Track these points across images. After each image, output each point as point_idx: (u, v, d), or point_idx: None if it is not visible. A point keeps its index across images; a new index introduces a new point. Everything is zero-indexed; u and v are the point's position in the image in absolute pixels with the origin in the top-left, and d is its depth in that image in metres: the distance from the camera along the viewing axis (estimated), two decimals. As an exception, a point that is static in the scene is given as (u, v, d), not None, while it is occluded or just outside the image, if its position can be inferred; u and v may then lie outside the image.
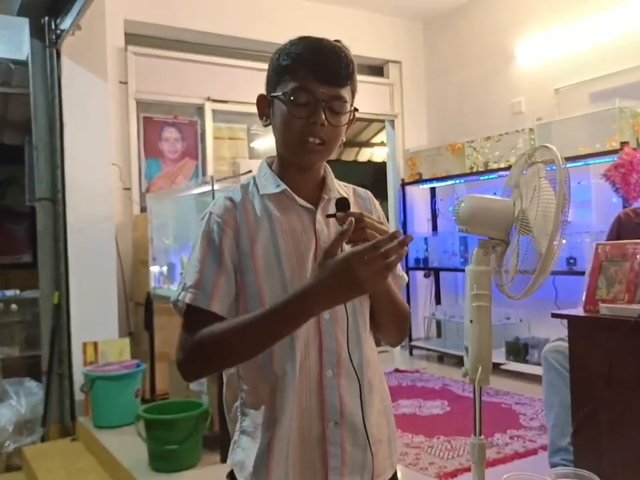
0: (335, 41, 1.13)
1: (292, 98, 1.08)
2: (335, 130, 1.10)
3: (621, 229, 2.86)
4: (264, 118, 1.16)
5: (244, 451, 1.14)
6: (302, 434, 1.09)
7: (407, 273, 5.56)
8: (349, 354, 1.11)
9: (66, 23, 3.76)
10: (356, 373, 1.11)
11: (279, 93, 1.10)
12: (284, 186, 1.13)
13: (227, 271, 1.09)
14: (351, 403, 1.11)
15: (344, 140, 1.17)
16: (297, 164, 1.14)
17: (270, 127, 1.16)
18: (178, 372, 1.08)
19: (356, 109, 1.14)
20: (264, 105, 1.16)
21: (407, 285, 5.67)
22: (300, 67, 1.08)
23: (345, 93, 1.10)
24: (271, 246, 1.09)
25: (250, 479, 1.12)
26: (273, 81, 1.13)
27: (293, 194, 1.13)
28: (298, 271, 1.09)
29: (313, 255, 1.11)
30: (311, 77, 1.07)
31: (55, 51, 3.92)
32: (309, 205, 1.13)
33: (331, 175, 1.20)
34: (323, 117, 1.07)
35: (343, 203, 1.07)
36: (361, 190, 1.27)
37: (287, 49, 1.10)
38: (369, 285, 0.93)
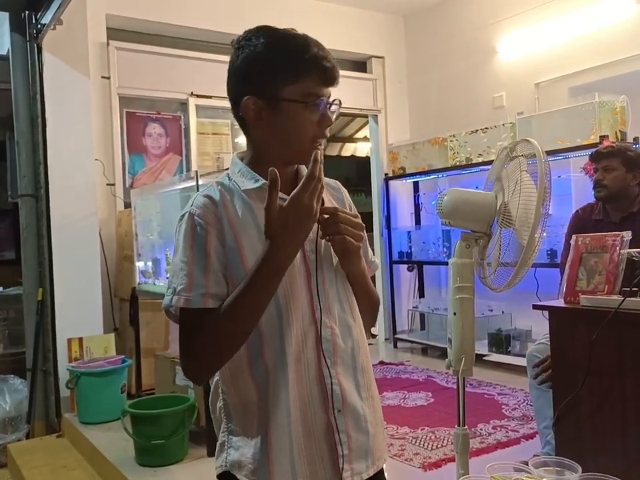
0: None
1: (309, 102, 1.10)
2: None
3: (579, 223, 2.93)
4: (258, 118, 1.12)
5: (238, 450, 1.14)
6: (306, 426, 1.10)
7: (391, 267, 5.61)
8: (342, 341, 1.14)
9: (47, 17, 3.72)
10: (352, 360, 1.15)
11: (291, 97, 1.09)
12: (262, 180, 1.14)
13: (214, 270, 1.09)
14: (350, 389, 1.14)
15: None
16: (297, 162, 1.18)
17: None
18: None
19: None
20: (258, 106, 1.11)
21: (391, 278, 5.75)
22: (312, 69, 1.10)
23: None
24: (256, 239, 1.10)
25: (251, 476, 1.12)
26: (278, 79, 1.10)
27: None
28: None
29: None
30: (321, 79, 1.11)
31: (35, 45, 3.88)
32: (287, 197, 1.12)
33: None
34: (333, 118, 1.13)
35: None
36: (330, 181, 1.29)
37: (289, 47, 1.10)
38: (315, 209, 1.03)
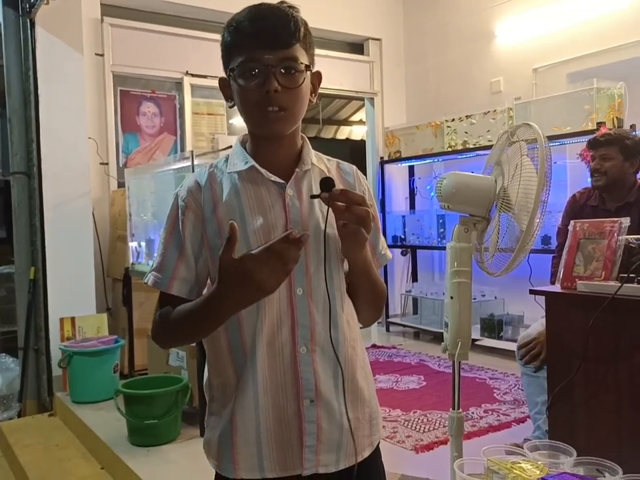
0: (280, 2, 1.10)
1: (241, 72, 1.07)
2: (293, 93, 1.07)
3: (576, 207, 2.94)
4: (229, 100, 1.15)
5: (211, 430, 1.15)
6: (277, 411, 1.09)
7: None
8: (322, 330, 1.10)
9: (40, -8, 3.66)
10: (333, 350, 1.10)
11: (232, 66, 1.09)
12: (252, 162, 1.11)
13: (187, 256, 1.12)
14: (326, 380, 1.10)
15: (313, 101, 1.15)
16: (265, 136, 1.12)
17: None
18: (155, 346, 1.11)
19: (308, 67, 1.09)
20: (225, 86, 1.14)
21: (385, 262, 5.70)
22: (241, 39, 1.06)
23: (295, 52, 1.07)
24: (239, 224, 1.07)
25: (216, 457, 1.14)
26: (224, 60, 1.12)
27: (261, 169, 1.11)
28: None
29: (283, 229, 1.09)
30: (253, 46, 1.05)
31: (28, 20, 3.82)
32: (278, 179, 1.11)
33: (307, 148, 1.16)
34: (276, 83, 1.04)
35: (327, 183, 1.02)
36: (345, 165, 1.23)
37: (229, 24, 1.09)
38: (270, 285, 0.94)
